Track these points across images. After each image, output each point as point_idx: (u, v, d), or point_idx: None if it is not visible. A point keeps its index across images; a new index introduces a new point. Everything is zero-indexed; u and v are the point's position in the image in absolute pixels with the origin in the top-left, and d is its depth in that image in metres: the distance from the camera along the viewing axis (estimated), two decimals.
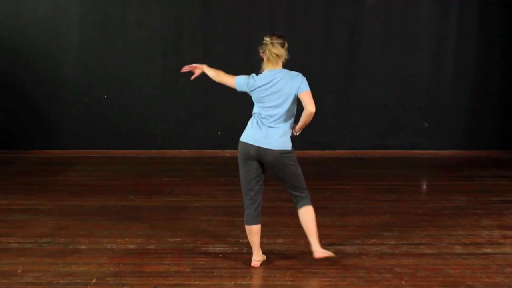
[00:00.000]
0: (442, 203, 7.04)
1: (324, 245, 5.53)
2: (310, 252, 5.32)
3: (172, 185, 7.85)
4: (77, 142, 9.94)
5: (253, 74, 4.95)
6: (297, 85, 4.82)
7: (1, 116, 9.96)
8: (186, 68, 5.41)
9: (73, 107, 9.93)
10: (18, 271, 4.95)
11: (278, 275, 4.88)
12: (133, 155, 9.80)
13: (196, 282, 4.73)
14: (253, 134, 4.88)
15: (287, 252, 5.32)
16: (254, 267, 5.01)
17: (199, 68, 5.34)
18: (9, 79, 9.88)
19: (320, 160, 9.54)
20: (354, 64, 9.95)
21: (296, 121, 4.92)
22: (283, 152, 4.87)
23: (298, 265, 5.06)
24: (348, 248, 5.48)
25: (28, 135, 9.97)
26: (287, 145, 4.90)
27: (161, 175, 8.49)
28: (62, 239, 5.70)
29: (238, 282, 4.73)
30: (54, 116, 9.95)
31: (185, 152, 9.93)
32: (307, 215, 5.00)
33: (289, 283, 4.74)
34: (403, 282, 4.74)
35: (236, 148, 4.99)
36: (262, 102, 4.87)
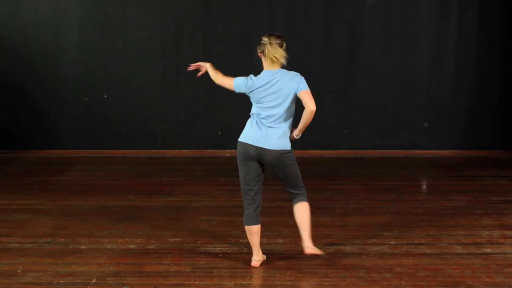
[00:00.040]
0: (442, 203, 7.04)
1: (324, 245, 5.55)
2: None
3: (172, 185, 7.85)
4: (77, 142, 9.94)
5: (252, 75, 4.95)
6: (296, 84, 4.83)
7: (1, 116, 9.96)
8: (192, 67, 5.40)
9: (73, 107, 9.93)
10: (18, 271, 4.95)
11: (278, 275, 4.88)
12: (133, 155, 9.80)
13: (196, 282, 4.73)
14: (252, 134, 4.88)
15: (287, 252, 5.32)
16: (254, 267, 5.01)
17: (204, 67, 5.34)
18: (9, 79, 9.88)
19: (320, 160, 9.54)
20: (354, 64, 9.95)
21: (296, 123, 4.90)
22: (283, 152, 4.87)
23: (298, 265, 5.06)
24: (348, 248, 5.48)
25: (28, 135, 9.97)
26: (287, 145, 4.90)
27: (161, 175, 8.49)
28: (62, 239, 5.70)
29: (238, 282, 4.73)
30: (54, 116, 9.95)
31: (185, 152, 9.94)
32: (302, 211, 5.02)
33: (289, 283, 4.74)
34: (403, 282, 4.74)
35: (236, 148, 4.99)
36: (261, 103, 4.87)
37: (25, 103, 9.91)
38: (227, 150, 9.62)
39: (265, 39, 4.86)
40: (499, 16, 9.84)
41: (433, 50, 9.92)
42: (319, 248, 5.43)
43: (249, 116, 5.00)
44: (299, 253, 5.29)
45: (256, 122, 4.89)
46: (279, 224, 6.07)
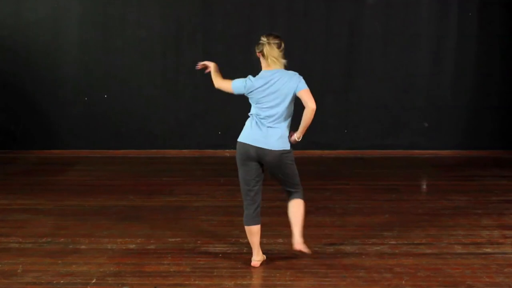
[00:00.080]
0: (442, 203, 7.04)
1: (324, 245, 5.55)
2: (310, 252, 5.34)
3: (172, 185, 7.85)
4: (77, 142, 9.94)
5: (250, 76, 4.95)
6: (295, 84, 4.83)
7: (1, 116, 9.96)
8: (199, 66, 5.38)
9: (73, 107, 9.93)
10: (18, 271, 4.95)
11: (278, 275, 4.88)
12: (133, 155, 9.80)
13: (196, 282, 4.73)
14: (252, 134, 4.88)
15: (287, 252, 5.31)
16: (254, 267, 5.01)
17: (209, 66, 5.33)
18: (9, 79, 9.88)
19: (320, 160, 9.54)
20: (354, 64, 9.95)
21: (295, 125, 4.89)
22: (283, 152, 4.88)
23: (298, 265, 5.06)
24: (348, 248, 5.48)
25: (28, 135, 9.97)
26: (287, 145, 4.90)
27: (161, 175, 8.49)
28: (62, 239, 5.70)
29: (238, 282, 4.73)
30: (54, 116, 9.95)
31: (185, 152, 9.94)
32: (297, 207, 5.05)
33: (289, 283, 4.74)
34: (403, 282, 4.74)
35: (235, 148, 4.99)
36: (260, 103, 4.87)
37: (25, 103, 9.91)
38: (227, 150, 9.62)
39: (263, 39, 4.86)
40: (499, 16, 9.84)
41: (433, 50, 9.92)
42: (319, 248, 5.47)
43: (249, 116, 5.00)
44: (299, 253, 5.29)
45: (256, 122, 4.89)
46: (279, 224, 6.06)
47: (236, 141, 4.95)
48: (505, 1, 9.79)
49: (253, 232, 4.98)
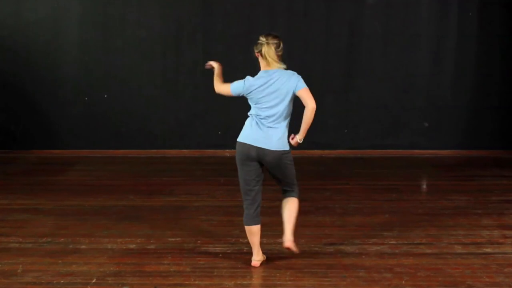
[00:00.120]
0: (442, 203, 7.04)
1: (324, 245, 5.55)
2: (310, 252, 5.35)
3: (172, 185, 7.85)
4: (77, 142, 9.94)
5: (248, 76, 4.95)
6: (294, 83, 4.84)
7: (1, 116, 9.96)
8: (208, 65, 5.35)
9: (73, 107, 9.93)
10: (18, 270, 4.95)
11: (278, 275, 4.88)
12: (133, 155, 9.80)
13: (196, 282, 4.73)
14: (252, 134, 4.88)
15: (287, 252, 5.30)
16: (254, 267, 5.01)
17: (214, 67, 5.31)
18: (9, 79, 9.88)
19: (320, 160, 9.54)
20: (354, 64, 9.95)
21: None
22: (283, 153, 4.89)
23: (298, 265, 5.06)
24: (348, 248, 5.48)
25: (28, 135, 9.97)
26: (286, 145, 4.91)
27: (161, 175, 8.49)
28: (62, 239, 5.71)
29: (238, 282, 4.73)
30: (54, 116, 9.95)
31: (185, 152, 9.94)
32: (291, 205, 5.07)
33: (289, 283, 4.74)
34: (403, 282, 4.74)
35: (235, 147, 4.99)
36: (260, 103, 4.87)
37: (25, 103, 9.91)
38: (227, 150, 9.62)
39: (262, 39, 4.86)
40: (499, 16, 9.84)
41: (433, 50, 9.92)
42: (319, 248, 5.47)
43: (248, 116, 5.00)
44: (299, 253, 5.30)
45: (256, 122, 4.89)
46: (279, 224, 6.02)
47: (236, 141, 4.96)
48: (505, 1, 9.79)
49: (253, 232, 4.99)
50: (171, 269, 4.98)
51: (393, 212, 6.63)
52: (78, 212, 6.62)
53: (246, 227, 5.00)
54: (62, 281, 4.74)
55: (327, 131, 9.92)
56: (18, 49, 9.81)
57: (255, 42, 4.91)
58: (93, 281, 4.75)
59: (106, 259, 5.21)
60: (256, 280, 4.83)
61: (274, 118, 4.86)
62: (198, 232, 5.92)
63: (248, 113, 5.00)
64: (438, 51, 9.91)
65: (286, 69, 4.92)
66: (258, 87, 4.86)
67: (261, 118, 4.87)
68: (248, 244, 5.15)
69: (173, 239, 5.70)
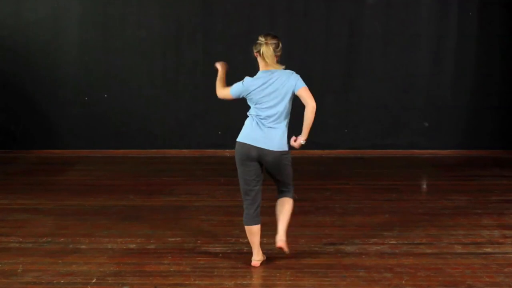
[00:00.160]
0: (442, 202, 7.04)
1: (324, 244, 5.56)
2: (310, 252, 5.35)
3: (172, 185, 7.85)
4: (77, 142, 9.94)
5: (246, 77, 4.95)
6: (293, 82, 4.84)
7: (1, 116, 9.96)
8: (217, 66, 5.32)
9: (73, 107, 9.93)
10: (18, 270, 4.95)
11: (278, 275, 4.88)
12: (133, 154, 9.80)
13: (196, 282, 4.73)
14: (252, 135, 4.88)
15: (287, 252, 5.31)
16: (254, 267, 5.01)
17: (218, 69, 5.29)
18: (9, 79, 9.88)
19: (320, 160, 9.54)
20: (354, 64, 9.95)
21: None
22: (283, 153, 4.89)
23: (298, 265, 5.06)
24: (348, 248, 5.48)
25: (28, 135, 9.97)
26: (286, 145, 4.92)
27: (161, 174, 8.49)
28: (62, 239, 5.71)
29: (238, 282, 4.73)
30: (54, 116, 9.94)
31: (185, 152, 9.94)
32: (285, 205, 5.09)
33: (289, 283, 4.74)
34: (403, 282, 4.74)
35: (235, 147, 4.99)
36: (260, 103, 4.87)
37: (25, 103, 9.91)
38: (227, 150, 9.62)
39: (261, 39, 4.86)
40: (499, 16, 9.84)
41: (433, 50, 9.91)
42: (319, 248, 5.47)
43: (248, 116, 5.00)
44: (299, 253, 5.31)
45: (257, 123, 4.89)
46: None
47: (236, 141, 4.96)
48: (505, 1, 9.79)
49: (253, 232, 4.99)
50: (171, 269, 4.98)
51: (393, 212, 6.63)
52: (78, 212, 6.62)
53: (246, 227, 5.00)
54: (62, 281, 4.74)
55: (327, 131, 9.92)
56: (18, 49, 9.81)
57: (255, 42, 4.91)
58: (93, 281, 4.75)
59: (106, 259, 5.21)
60: (256, 280, 4.83)
61: (274, 118, 4.86)
62: (198, 232, 5.92)
63: (248, 113, 5.00)
64: (438, 51, 9.90)
65: (285, 69, 4.93)
66: (258, 87, 4.86)
67: (261, 119, 4.87)
68: (248, 244, 5.16)
69: (173, 239, 5.70)
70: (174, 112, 10.00)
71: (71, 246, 5.53)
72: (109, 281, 4.74)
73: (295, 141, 4.90)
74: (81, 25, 9.80)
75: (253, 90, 4.87)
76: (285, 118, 4.90)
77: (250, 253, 5.10)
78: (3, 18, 9.77)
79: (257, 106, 4.89)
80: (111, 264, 5.08)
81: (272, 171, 4.97)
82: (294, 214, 6.29)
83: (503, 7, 9.80)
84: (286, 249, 5.08)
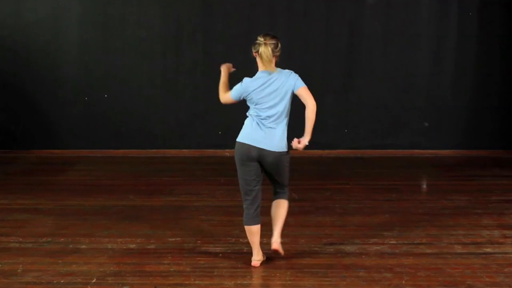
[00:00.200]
0: (442, 202, 7.04)
1: (324, 244, 5.55)
2: (310, 252, 5.35)
3: (172, 185, 7.85)
4: (77, 142, 9.94)
5: (245, 78, 4.95)
6: (292, 82, 4.85)
7: (1, 116, 9.96)
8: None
9: (73, 107, 9.93)
10: (18, 270, 4.95)
11: (278, 275, 4.88)
12: (133, 154, 9.80)
13: (196, 282, 4.73)
14: (253, 135, 4.87)
15: (287, 252, 5.30)
16: (254, 267, 5.01)
17: (222, 71, 5.27)
18: (9, 79, 9.88)
19: (320, 160, 9.54)
20: (354, 64, 9.95)
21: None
22: (283, 154, 4.90)
23: (298, 265, 5.06)
24: (348, 248, 5.48)
25: (28, 135, 9.97)
26: (286, 146, 4.92)
27: (161, 174, 8.49)
28: (62, 239, 5.70)
29: (239, 282, 4.73)
30: (54, 116, 9.95)
31: (185, 152, 9.93)
32: (280, 207, 5.09)
33: (289, 282, 4.74)
34: (403, 282, 4.74)
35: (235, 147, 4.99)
36: (260, 104, 4.87)
37: (25, 103, 9.91)
38: (227, 150, 9.61)
39: (260, 39, 4.86)
40: (499, 16, 9.84)
41: (433, 50, 9.91)
42: (319, 248, 5.47)
43: (247, 116, 5.00)
44: (299, 253, 5.31)
45: (257, 123, 4.89)
46: None
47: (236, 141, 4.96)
48: (505, 1, 9.79)
49: (253, 232, 4.99)
50: (171, 269, 4.98)
51: (393, 212, 6.63)
52: (78, 212, 6.62)
53: (246, 227, 5.00)
54: (62, 281, 4.74)
55: (327, 131, 9.92)
56: (18, 49, 9.81)
57: (254, 42, 4.91)
58: (93, 281, 4.75)
59: (106, 259, 5.21)
60: (256, 280, 4.83)
61: (274, 118, 4.86)
62: (198, 232, 5.92)
63: (247, 113, 5.00)
64: (438, 51, 9.90)
65: (283, 68, 4.93)
66: (257, 87, 4.86)
67: (262, 119, 4.87)
68: (248, 244, 5.15)
69: (173, 239, 5.70)
70: (174, 112, 10.00)
71: (71, 246, 5.53)
72: (109, 281, 4.73)
73: (299, 142, 4.86)
74: (81, 25, 9.80)
75: (253, 91, 4.87)
76: (284, 118, 4.90)
77: (250, 253, 5.10)
78: (3, 18, 9.78)
79: (257, 106, 4.89)
80: (111, 264, 5.08)
81: (271, 171, 4.96)
82: (294, 214, 6.32)
83: (503, 7, 9.80)
84: (281, 250, 5.09)
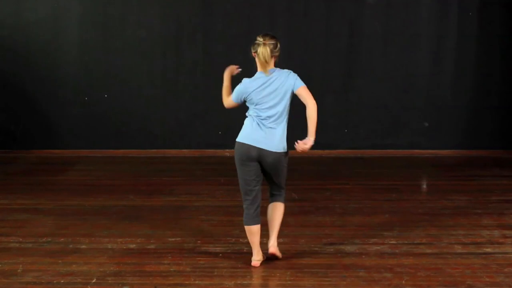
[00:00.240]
0: (442, 202, 7.04)
1: (324, 244, 5.55)
2: (310, 252, 5.35)
3: (172, 185, 7.85)
4: (77, 142, 9.94)
5: (245, 79, 4.95)
6: (292, 82, 4.85)
7: (1, 116, 9.96)
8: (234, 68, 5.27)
9: (73, 107, 9.93)
10: (18, 270, 4.95)
11: (278, 274, 4.88)
12: (133, 154, 9.80)
13: (196, 282, 4.73)
14: (253, 135, 4.87)
15: (287, 252, 5.31)
16: (254, 267, 5.01)
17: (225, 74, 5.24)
18: (9, 79, 9.88)
19: (320, 160, 9.54)
20: (354, 64, 9.96)
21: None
22: (283, 154, 4.90)
23: (298, 265, 5.06)
24: (348, 248, 5.48)
25: (28, 135, 9.97)
26: (286, 146, 4.92)
27: (161, 174, 8.49)
28: (62, 239, 5.70)
29: (238, 282, 4.73)
30: (54, 116, 9.95)
31: (185, 152, 9.94)
32: (276, 210, 5.09)
33: (289, 282, 4.74)
34: (403, 282, 4.74)
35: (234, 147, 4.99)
36: (260, 104, 4.87)
37: (25, 103, 9.91)
38: (227, 150, 9.62)
39: (259, 39, 4.86)
40: (499, 16, 9.84)
41: (433, 50, 9.92)
42: (319, 248, 5.47)
43: (246, 116, 5.00)
44: (299, 253, 5.31)
45: (257, 123, 4.88)
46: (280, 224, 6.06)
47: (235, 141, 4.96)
48: (505, 1, 9.79)
49: (253, 232, 4.98)
50: (171, 269, 4.98)
51: (393, 212, 6.63)
52: (78, 212, 6.62)
53: (246, 227, 5.00)
54: (62, 281, 4.74)
55: (327, 131, 9.91)
56: (18, 49, 9.81)
57: (253, 42, 4.91)
58: (93, 281, 4.75)
59: (106, 259, 5.20)
60: (256, 280, 4.83)
61: (274, 118, 4.86)
62: (198, 232, 5.92)
63: (247, 114, 4.99)
64: (438, 51, 9.91)
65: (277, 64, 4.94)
66: (258, 87, 4.86)
67: (262, 119, 4.87)
68: (248, 244, 5.15)
69: (173, 239, 5.70)
70: (174, 112, 10.00)
71: (71, 246, 5.53)
72: (109, 281, 4.73)
73: (305, 144, 4.85)
74: (81, 25, 9.80)
75: (253, 91, 4.87)
76: (284, 118, 4.90)
77: (250, 253, 5.10)
78: (3, 18, 9.78)
79: (257, 107, 4.89)
80: (111, 264, 5.07)
81: (270, 172, 4.96)
82: (294, 214, 6.32)
83: (503, 7, 9.81)
84: (279, 254, 5.10)
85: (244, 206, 4.98)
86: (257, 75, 4.92)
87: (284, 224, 6.00)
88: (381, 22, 9.86)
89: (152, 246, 5.52)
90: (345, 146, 10.03)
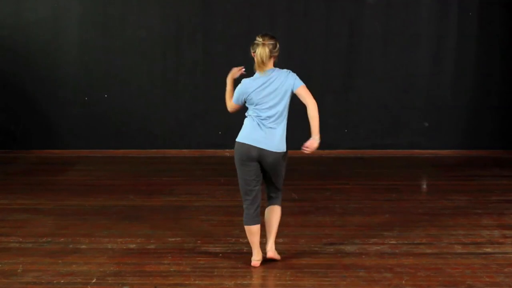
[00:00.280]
0: (442, 202, 7.04)
1: (324, 244, 5.55)
2: (310, 252, 5.35)
3: (172, 185, 7.85)
4: (77, 142, 9.94)
5: (244, 79, 4.95)
6: (291, 81, 4.85)
7: (1, 116, 9.96)
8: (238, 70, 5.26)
9: (73, 107, 9.93)
10: (18, 270, 4.95)
11: (278, 275, 4.88)
12: (133, 154, 9.80)
13: (196, 282, 4.73)
14: (253, 135, 4.87)
15: (287, 252, 5.31)
16: (254, 267, 5.01)
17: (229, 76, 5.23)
18: (9, 79, 9.88)
19: (320, 160, 9.54)
20: (354, 64, 9.95)
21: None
22: (283, 154, 4.90)
23: (298, 265, 5.06)
24: (348, 248, 5.48)
25: (28, 135, 9.97)
26: (285, 146, 4.92)
27: (161, 174, 8.49)
28: (62, 239, 5.70)
29: (238, 282, 4.73)
30: (54, 116, 9.95)
31: (185, 152, 9.93)
32: (274, 214, 5.09)
33: (289, 283, 4.74)
34: (403, 282, 4.74)
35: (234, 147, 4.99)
36: (260, 104, 4.87)
37: (25, 103, 9.91)
38: (227, 150, 9.61)
39: (259, 39, 4.86)
40: (499, 16, 9.84)
41: (433, 50, 9.92)
42: (319, 248, 5.47)
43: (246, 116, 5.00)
44: (299, 253, 5.31)
45: (257, 123, 4.88)
46: (279, 224, 6.05)
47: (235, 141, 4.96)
48: (505, 1, 9.79)
49: (253, 232, 4.98)
50: (171, 269, 4.98)
51: (393, 212, 6.63)
52: (78, 212, 6.62)
53: (246, 227, 5.00)
54: (62, 281, 4.74)
55: (327, 131, 9.85)
56: (18, 49, 9.81)
57: (252, 42, 4.91)
58: (93, 281, 4.75)
59: (106, 259, 5.20)
60: (256, 280, 4.83)
61: (274, 118, 4.86)
62: (198, 232, 5.92)
63: (246, 114, 4.99)
64: (438, 51, 9.91)
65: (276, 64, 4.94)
66: (258, 87, 4.86)
67: (262, 119, 4.87)
68: (248, 244, 5.15)
69: (173, 239, 5.70)
70: (174, 112, 10.00)
71: (71, 246, 5.53)
72: (109, 281, 4.73)
73: (312, 144, 4.84)
74: (81, 25, 9.80)
75: (253, 91, 4.86)
76: (284, 118, 4.91)
77: (250, 253, 5.10)
78: (3, 18, 9.78)
79: (257, 107, 4.88)
80: (111, 264, 5.07)
81: (269, 172, 4.96)
82: (294, 214, 6.33)
83: (503, 7, 9.81)
84: (277, 257, 5.10)
85: (244, 206, 4.98)
86: (256, 75, 4.92)
87: (284, 224, 6.01)
88: (381, 22, 9.86)
89: (152, 246, 5.52)
90: (345, 146, 10.02)
